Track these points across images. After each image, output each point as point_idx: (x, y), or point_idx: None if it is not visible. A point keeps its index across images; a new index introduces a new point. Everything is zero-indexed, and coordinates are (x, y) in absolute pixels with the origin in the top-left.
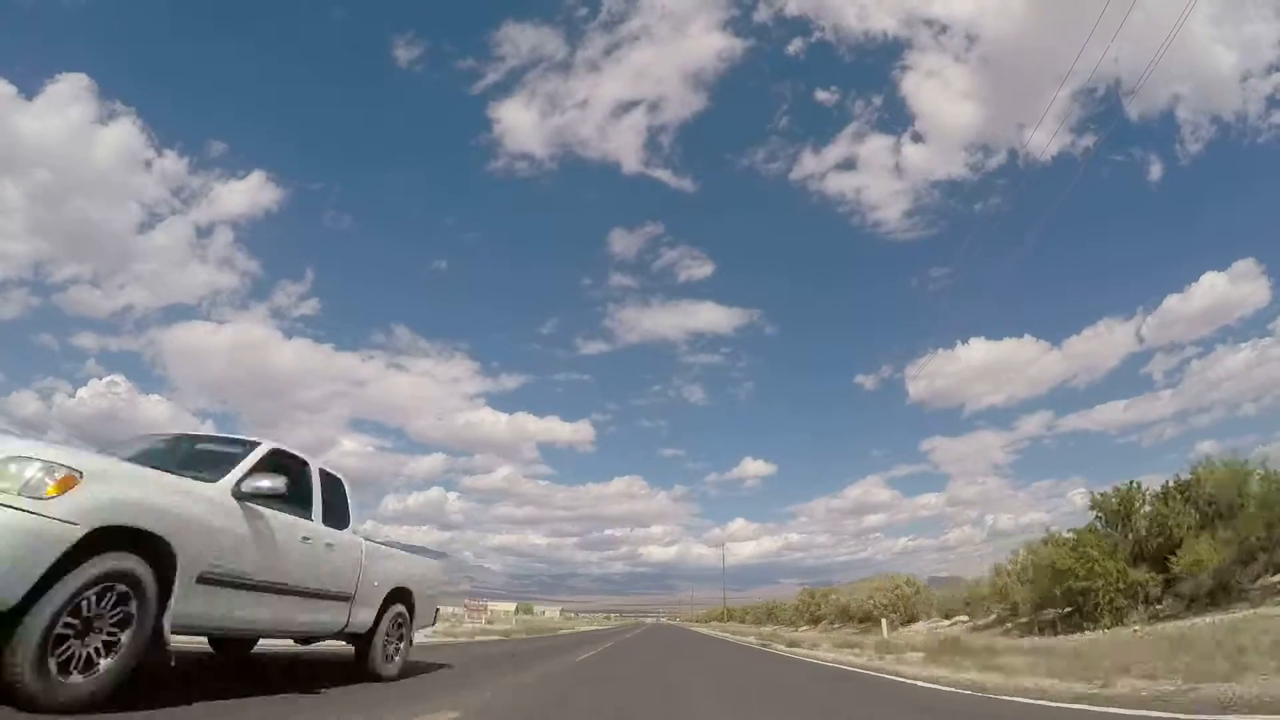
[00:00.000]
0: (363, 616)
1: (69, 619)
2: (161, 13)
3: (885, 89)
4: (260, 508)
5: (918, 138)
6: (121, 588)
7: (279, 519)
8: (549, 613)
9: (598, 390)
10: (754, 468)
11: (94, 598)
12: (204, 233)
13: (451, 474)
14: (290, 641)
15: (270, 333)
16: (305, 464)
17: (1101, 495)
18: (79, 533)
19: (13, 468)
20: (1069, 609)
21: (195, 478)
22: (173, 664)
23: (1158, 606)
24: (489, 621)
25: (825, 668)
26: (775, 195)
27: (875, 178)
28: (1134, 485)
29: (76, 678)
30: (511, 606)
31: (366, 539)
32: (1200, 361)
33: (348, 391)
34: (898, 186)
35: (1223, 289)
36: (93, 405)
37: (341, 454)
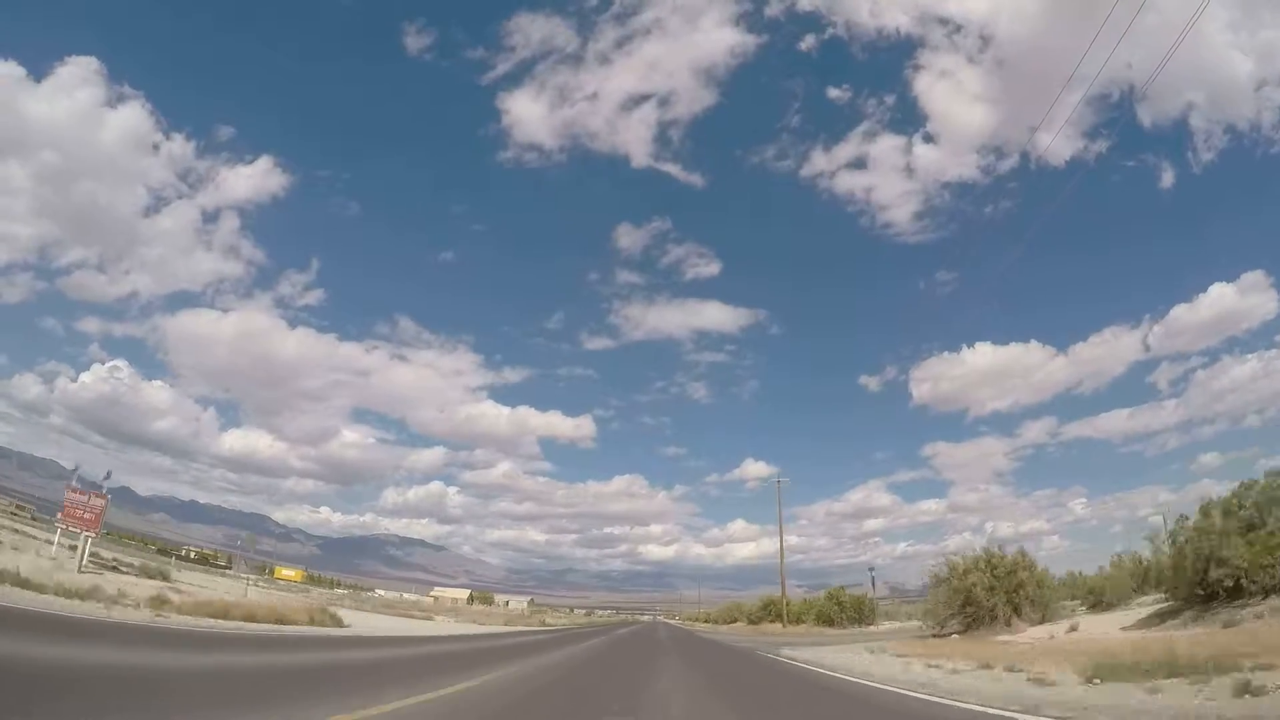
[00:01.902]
0: None
1: None
2: None
3: (898, 88)
4: None
5: (929, 138)
6: None
7: None
8: (514, 603)
9: (601, 386)
10: (756, 470)
11: None
12: (210, 218)
13: (452, 468)
14: None
15: (274, 322)
16: None
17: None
18: None
19: None
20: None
21: None
22: None
23: None
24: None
25: None
26: (784, 193)
27: (886, 178)
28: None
29: None
30: (464, 594)
31: None
32: (1205, 372)
33: (350, 382)
34: (908, 187)
35: (1231, 300)
36: (95, 390)
37: (343, 445)
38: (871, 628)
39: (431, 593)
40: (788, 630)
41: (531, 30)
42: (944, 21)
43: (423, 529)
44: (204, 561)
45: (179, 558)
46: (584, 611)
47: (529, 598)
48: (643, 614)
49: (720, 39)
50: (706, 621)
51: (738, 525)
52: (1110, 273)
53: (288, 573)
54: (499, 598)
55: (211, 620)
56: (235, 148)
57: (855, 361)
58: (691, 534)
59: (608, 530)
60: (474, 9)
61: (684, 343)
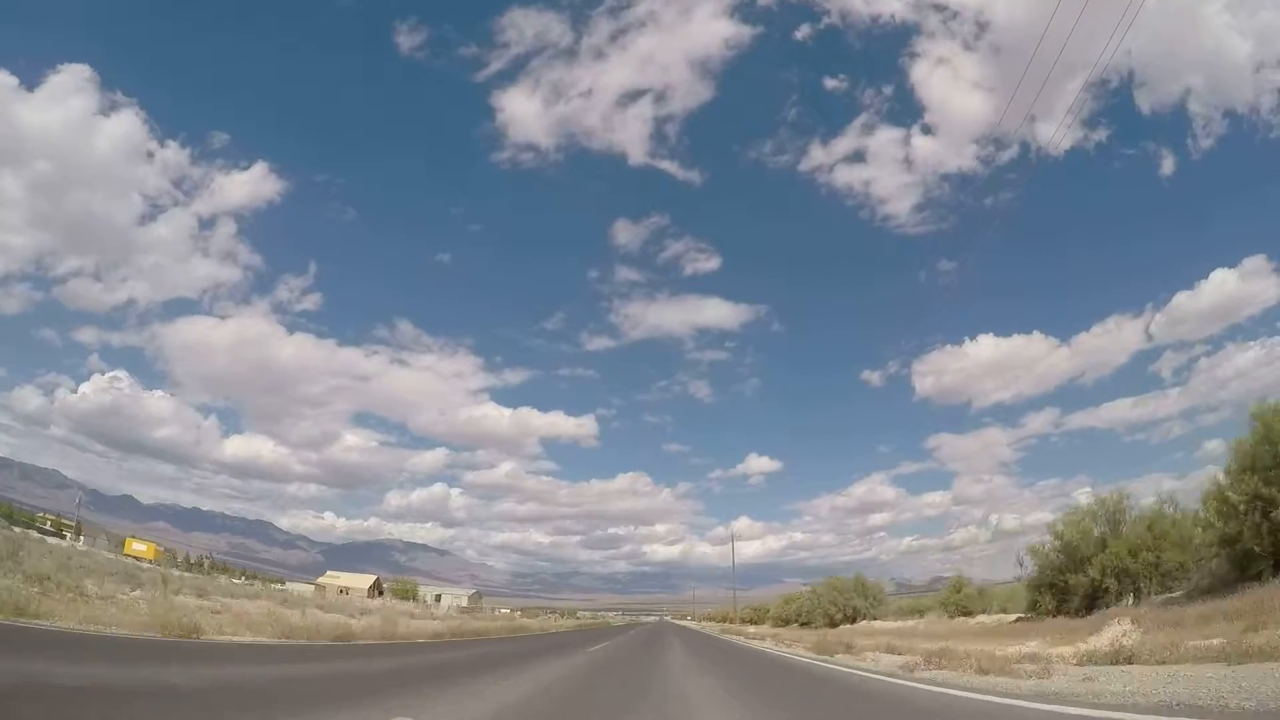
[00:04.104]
0: None
1: None
2: (164, 3)
3: (895, 78)
4: None
5: (927, 129)
6: None
7: None
8: (448, 597)
9: (603, 386)
10: (759, 464)
11: None
12: (206, 224)
13: (454, 470)
14: None
15: (273, 327)
16: None
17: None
18: None
19: None
20: None
21: None
22: None
23: None
24: None
25: None
26: (783, 187)
27: (885, 170)
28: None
29: None
30: (365, 581)
31: None
32: (1209, 359)
33: (350, 386)
34: (907, 179)
35: (1233, 286)
36: (96, 400)
37: (345, 449)
38: None
39: (319, 579)
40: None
41: (524, 25)
42: (939, 8)
43: (426, 533)
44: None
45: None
46: (558, 613)
47: (473, 590)
48: (647, 614)
49: (715, 31)
50: (753, 623)
51: (742, 523)
52: (1112, 262)
53: (138, 546)
54: (427, 589)
55: None
56: (230, 154)
57: (857, 356)
58: (696, 533)
59: (612, 531)
60: (466, 5)
61: (685, 340)
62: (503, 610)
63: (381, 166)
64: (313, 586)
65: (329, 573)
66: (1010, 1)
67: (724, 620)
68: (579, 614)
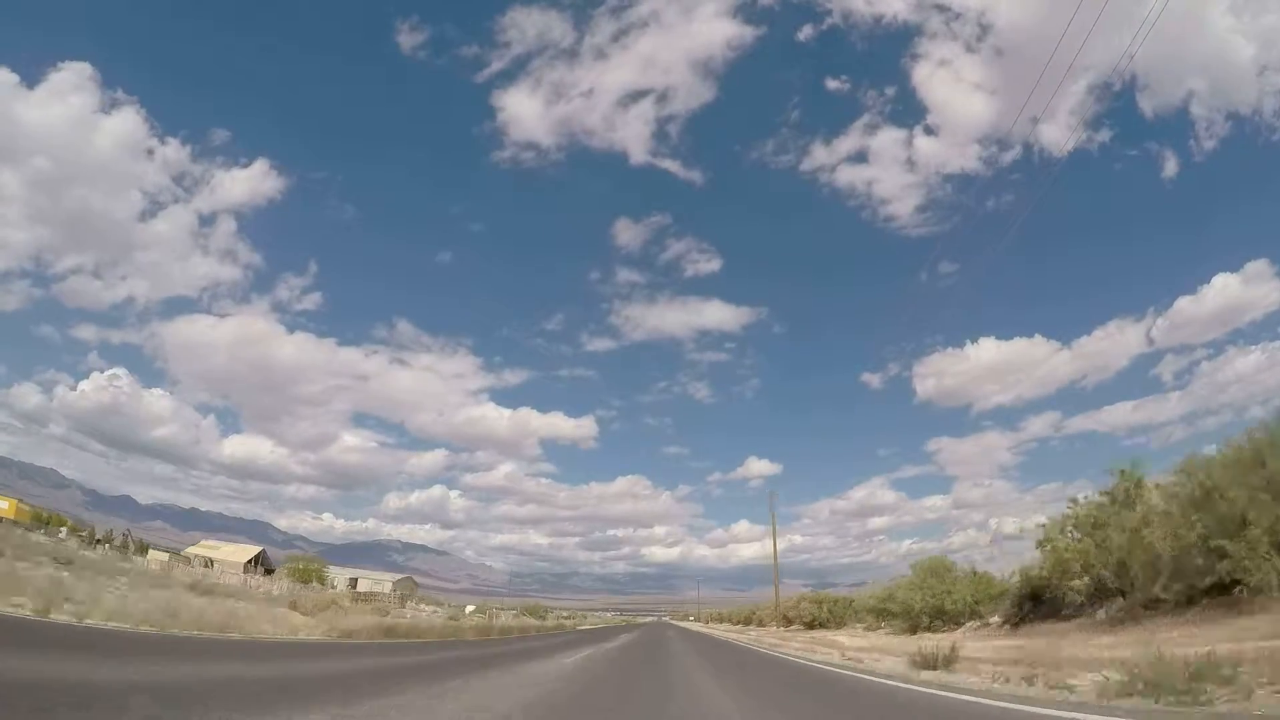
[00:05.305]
0: None
1: None
2: (165, 1)
3: (897, 79)
4: None
5: (930, 130)
6: None
7: None
8: (366, 583)
9: (602, 387)
10: (759, 467)
11: None
12: (206, 222)
13: (453, 471)
14: None
15: (272, 326)
16: None
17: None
18: None
19: None
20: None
21: None
22: None
23: None
24: None
25: None
26: (784, 188)
27: (887, 171)
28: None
29: None
30: (248, 552)
31: None
32: (1210, 363)
33: (350, 386)
34: (909, 180)
35: (1235, 290)
36: (95, 398)
37: (344, 449)
38: None
39: (188, 549)
40: None
41: (526, 25)
42: (942, 9)
43: (425, 534)
44: None
45: None
46: (514, 612)
47: (401, 575)
48: (645, 615)
49: (717, 31)
50: (812, 627)
51: (741, 526)
52: (1114, 265)
53: None
54: (337, 572)
55: None
56: (230, 151)
57: (857, 358)
58: (695, 535)
59: (611, 533)
60: (467, 4)
61: (685, 342)
62: (469, 608)
63: (382, 165)
64: (168, 555)
65: (204, 542)
66: (1012, 4)
67: (747, 622)
68: (547, 613)
